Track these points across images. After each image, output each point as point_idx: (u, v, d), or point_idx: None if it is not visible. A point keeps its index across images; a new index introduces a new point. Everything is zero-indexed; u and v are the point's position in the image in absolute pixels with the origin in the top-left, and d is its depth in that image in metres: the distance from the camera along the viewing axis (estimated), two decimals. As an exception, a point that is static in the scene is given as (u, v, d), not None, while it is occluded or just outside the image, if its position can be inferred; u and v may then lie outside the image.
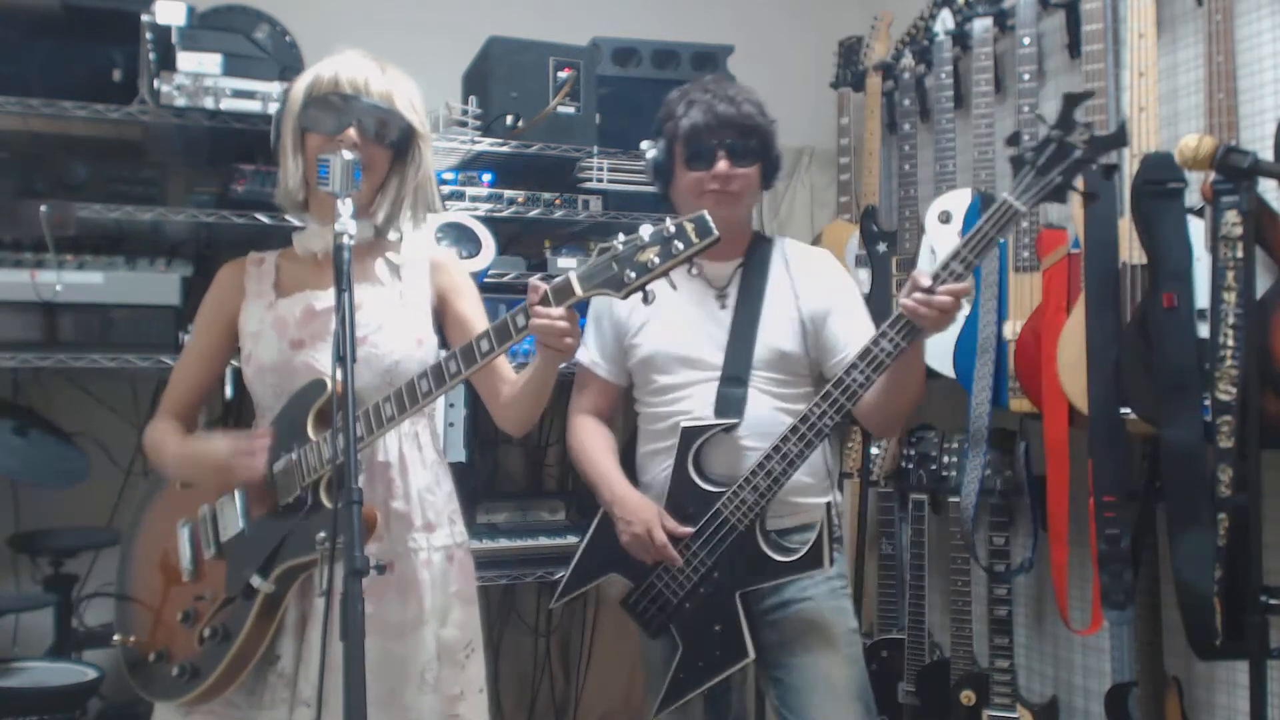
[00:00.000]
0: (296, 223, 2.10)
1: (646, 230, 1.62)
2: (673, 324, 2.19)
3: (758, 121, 2.16)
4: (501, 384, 1.97)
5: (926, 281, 1.88)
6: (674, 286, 1.67)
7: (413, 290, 1.98)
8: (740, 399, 2.12)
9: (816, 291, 2.19)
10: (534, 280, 1.71)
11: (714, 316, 2.19)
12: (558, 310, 1.68)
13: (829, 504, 2.14)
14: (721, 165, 2.13)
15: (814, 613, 2.13)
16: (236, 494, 1.83)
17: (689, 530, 2.08)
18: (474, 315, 2.01)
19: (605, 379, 2.29)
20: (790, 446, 2.01)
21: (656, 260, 1.60)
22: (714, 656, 2.10)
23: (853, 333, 2.14)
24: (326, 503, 1.75)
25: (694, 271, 2.21)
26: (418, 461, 1.95)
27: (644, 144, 2.27)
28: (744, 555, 2.06)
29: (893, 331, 1.93)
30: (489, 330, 1.72)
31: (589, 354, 2.29)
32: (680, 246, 1.60)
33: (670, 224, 1.61)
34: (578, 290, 1.66)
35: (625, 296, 1.64)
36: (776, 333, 2.16)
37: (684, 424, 2.13)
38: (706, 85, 2.19)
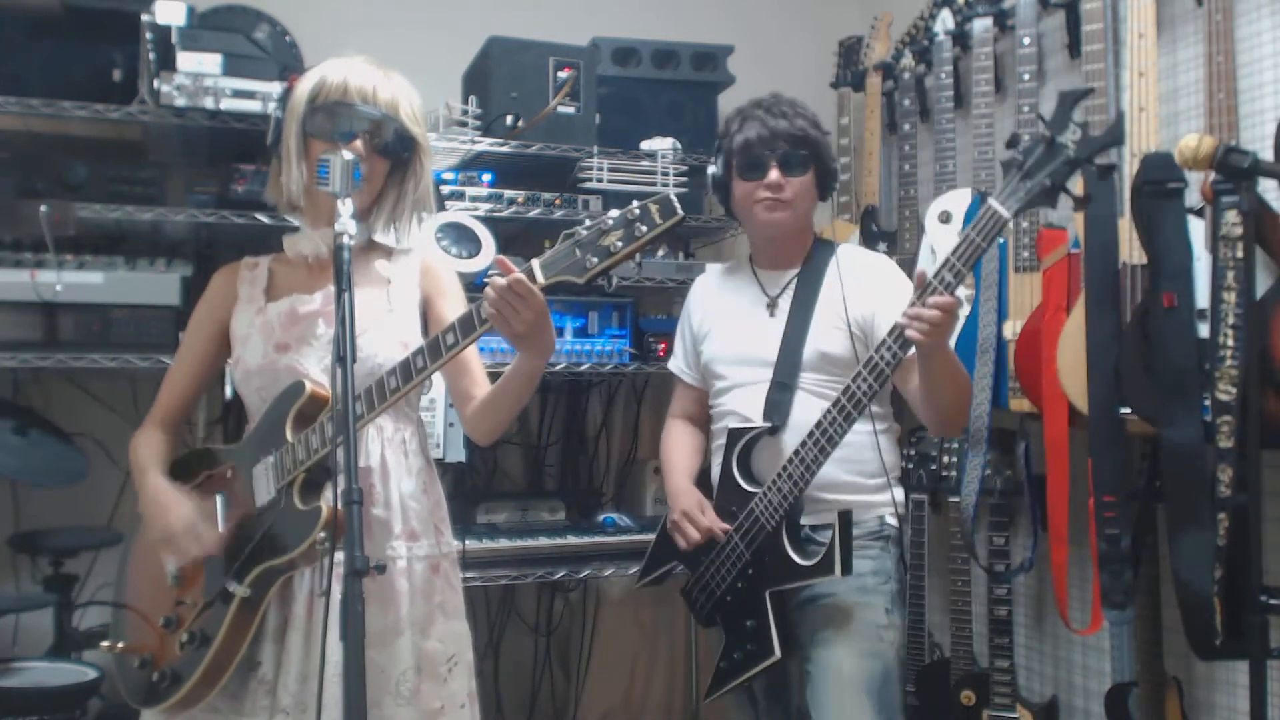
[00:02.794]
0: (295, 221, 2.09)
1: (613, 214, 1.60)
2: (728, 328, 2.31)
3: (810, 134, 2.23)
4: (474, 387, 1.93)
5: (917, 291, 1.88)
6: (638, 266, 1.65)
7: (401, 294, 1.96)
8: (786, 403, 2.18)
9: (865, 293, 2.20)
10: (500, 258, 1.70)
11: (763, 324, 2.26)
12: (506, 280, 1.63)
13: (846, 512, 2.07)
14: (773, 175, 2.19)
15: (836, 605, 2.15)
16: (218, 500, 1.83)
17: (727, 526, 2.16)
18: (453, 316, 1.98)
19: (691, 384, 2.43)
20: (808, 448, 2.05)
21: (620, 245, 1.58)
22: (747, 651, 2.16)
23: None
24: (299, 504, 1.74)
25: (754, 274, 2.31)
26: (402, 468, 1.91)
27: (710, 168, 2.32)
28: (772, 555, 2.11)
29: (889, 339, 1.95)
30: (454, 323, 1.70)
31: (676, 362, 2.46)
32: (644, 229, 1.58)
33: (635, 206, 1.59)
34: (540, 278, 1.64)
35: (586, 282, 1.62)
36: (824, 338, 2.20)
37: (731, 426, 2.22)
38: (761, 101, 2.26)
